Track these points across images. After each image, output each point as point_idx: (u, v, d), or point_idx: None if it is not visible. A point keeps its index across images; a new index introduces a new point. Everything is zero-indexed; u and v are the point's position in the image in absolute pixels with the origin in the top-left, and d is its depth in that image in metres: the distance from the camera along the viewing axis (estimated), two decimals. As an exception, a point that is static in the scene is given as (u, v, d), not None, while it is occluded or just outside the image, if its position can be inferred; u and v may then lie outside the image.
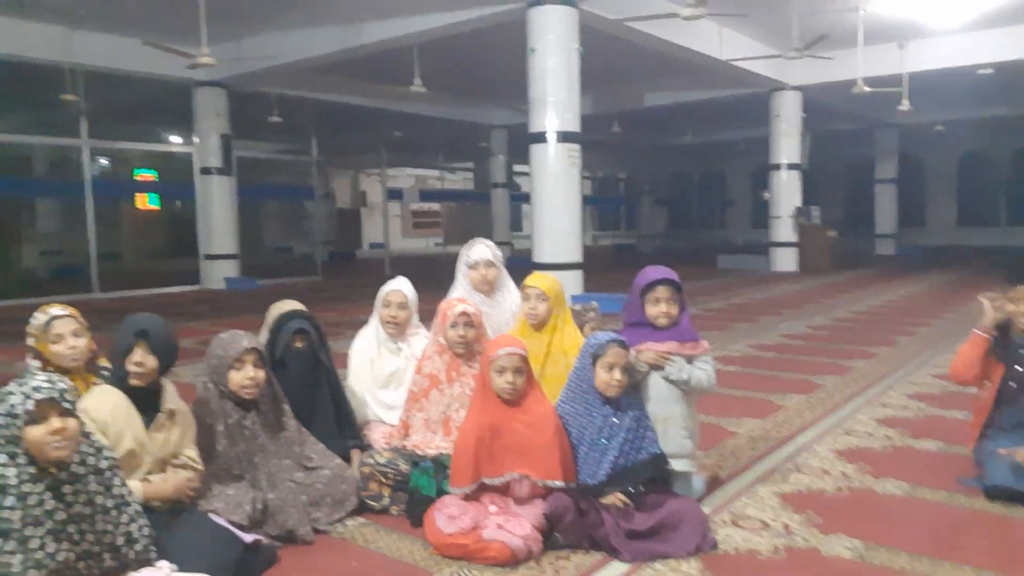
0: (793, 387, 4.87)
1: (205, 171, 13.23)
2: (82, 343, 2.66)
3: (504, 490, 2.61)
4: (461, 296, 3.35)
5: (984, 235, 23.68)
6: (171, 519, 2.33)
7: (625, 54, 11.86)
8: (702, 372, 2.79)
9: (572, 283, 8.91)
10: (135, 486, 2.25)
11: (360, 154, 23.15)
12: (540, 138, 9.02)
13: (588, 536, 2.49)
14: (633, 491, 2.60)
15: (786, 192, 14.89)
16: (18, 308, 10.43)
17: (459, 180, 28.45)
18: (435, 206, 19.31)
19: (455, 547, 2.45)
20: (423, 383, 3.05)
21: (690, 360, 2.79)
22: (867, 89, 11.37)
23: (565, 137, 8.97)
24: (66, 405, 1.91)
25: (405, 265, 18.20)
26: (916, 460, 3.41)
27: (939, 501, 2.92)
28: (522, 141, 10.71)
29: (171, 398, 2.50)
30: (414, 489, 2.78)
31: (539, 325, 3.13)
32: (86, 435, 2.00)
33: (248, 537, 2.39)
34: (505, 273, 3.55)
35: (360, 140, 19.81)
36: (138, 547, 2.09)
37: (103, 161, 19.45)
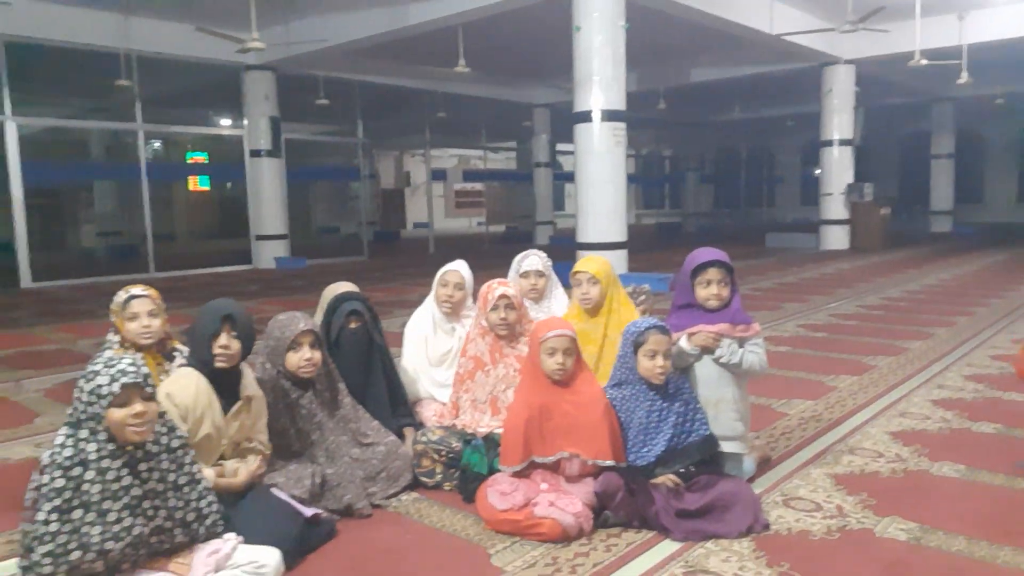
0: (845, 368, 4.79)
1: (255, 153, 13.48)
2: (156, 323, 2.76)
3: (554, 468, 2.64)
4: None
5: (1046, 212, 22.87)
6: (237, 495, 2.42)
7: (672, 30, 11.66)
8: (754, 355, 2.77)
9: (617, 262, 8.88)
10: (209, 475, 2.33)
11: (404, 135, 23.28)
12: (585, 117, 8.95)
13: (639, 515, 2.50)
14: (684, 471, 2.61)
15: (838, 169, 14.55)
16: (78, 288, 10.81)
17: (501, 160, 28.42)
18: (478, 186, 19.38)
19: (507, 523, 2.49)
20: (468, 365, 3.10)
21: (741, 343, 2.77)
22: (925, 62, 11.01)
23: (610, 116, 8.89)
24: (148, 390, 1.99)
25: (448, 244, 18.32)
26: (974, 443, 3.35)
27: (998, 485, 2.87)
28: (565, 120, 10.65)
29: (250, 384, 2.57)
30: (466, 466, 2.83)
31: (594, 309, 3.13)
32: (160, 415, 2.08)
33: (308, 511, 2.46)
34: (555, 280, 3.60)
35: (404, 121, 19.91)
36: (208, 522, 2.17)
37: (156, 144, 19.90)
